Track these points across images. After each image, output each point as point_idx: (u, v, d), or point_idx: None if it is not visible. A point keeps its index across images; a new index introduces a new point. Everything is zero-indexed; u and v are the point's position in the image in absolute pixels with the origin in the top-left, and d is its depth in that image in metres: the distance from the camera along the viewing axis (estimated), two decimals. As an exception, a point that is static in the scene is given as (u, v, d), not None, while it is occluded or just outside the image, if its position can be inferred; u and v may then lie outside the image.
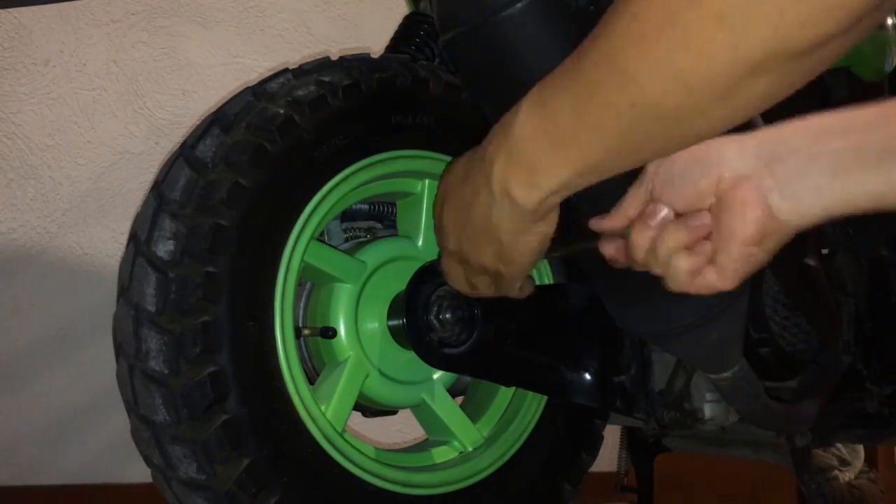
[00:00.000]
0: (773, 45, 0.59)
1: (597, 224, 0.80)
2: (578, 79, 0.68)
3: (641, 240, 0.74)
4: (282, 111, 0.97)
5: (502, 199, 0.77)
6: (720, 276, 0.72)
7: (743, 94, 0.63)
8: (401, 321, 1.06)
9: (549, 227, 0.80)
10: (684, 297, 0.89)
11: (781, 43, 0.59)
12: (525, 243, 0.81)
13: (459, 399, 1.22)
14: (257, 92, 0.99)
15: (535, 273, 1.19)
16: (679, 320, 0.91)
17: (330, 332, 1.04)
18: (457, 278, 0.93)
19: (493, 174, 0.77)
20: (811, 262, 1.16)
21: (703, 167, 0.71)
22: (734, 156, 0.70)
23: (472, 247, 0.85)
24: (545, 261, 1.20)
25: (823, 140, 0.69)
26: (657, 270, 0.75)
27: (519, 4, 0.82)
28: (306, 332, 1.05)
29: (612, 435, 1.59)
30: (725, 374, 0.99)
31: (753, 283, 1.02)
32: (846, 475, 2.19)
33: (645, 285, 0.92)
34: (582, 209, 0.86)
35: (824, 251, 1.26)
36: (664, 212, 0.73)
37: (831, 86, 1.35)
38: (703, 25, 0.59)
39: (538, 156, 0.72)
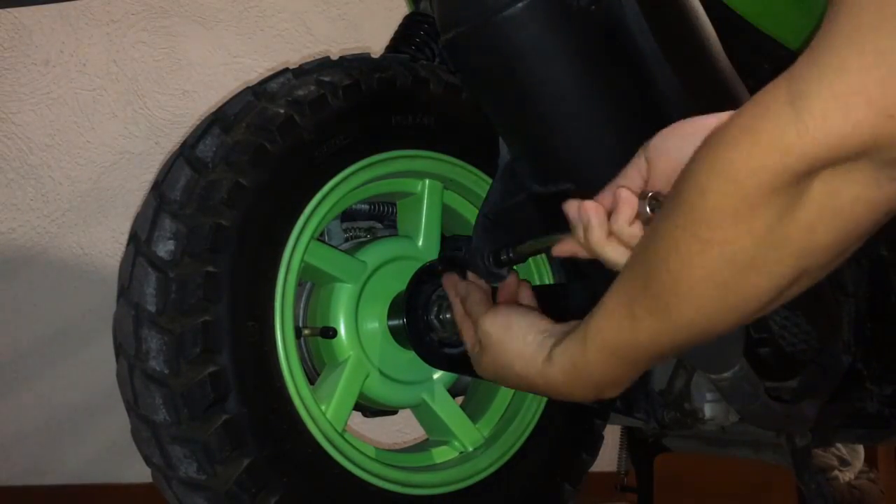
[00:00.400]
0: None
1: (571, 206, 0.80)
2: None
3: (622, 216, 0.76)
4: (282, 111, 0.97)
5: (559, 394, 0.82)
6: None
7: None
8: (401, 321, 1.06)
9: None
10: None
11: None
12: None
13: (460, 399, 1.22)
14: (257, 92, 0.99)
15: (535, 273, 1.19)
16: None
17: (330, 332, 1.04)
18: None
19: (557, 387, 0.81)
20: None
21: (699, 131, 0.70)
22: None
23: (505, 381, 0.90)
24: (545, 261, 1.20)
25: None
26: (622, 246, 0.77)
27: (519, 4, 0.82)
28: (306, 332, 1.05)
29: (612, 435, 1.59)
30: (725, 375, 0.99)
31: None
32: (846, 475, 2.18)
33: None
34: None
35: None
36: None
37: None
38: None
39: (606, 377, 0.77)
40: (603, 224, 0.76)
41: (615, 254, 0.76)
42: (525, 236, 1.00)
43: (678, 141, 0.74)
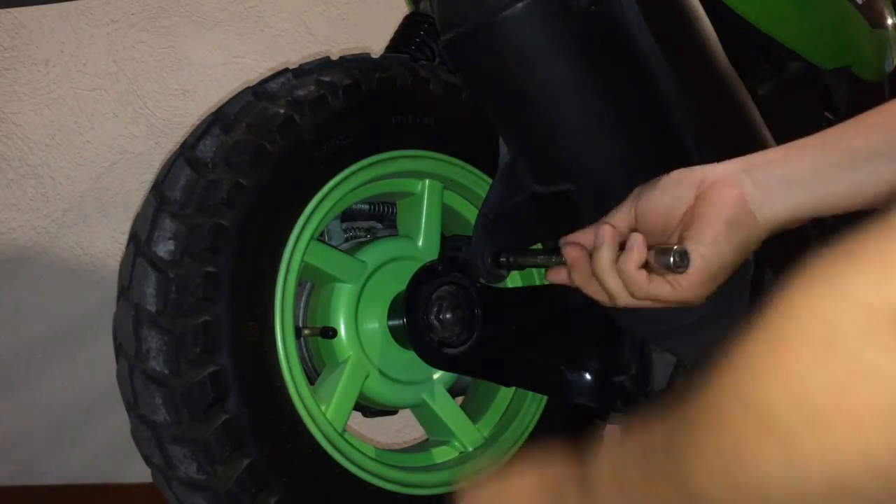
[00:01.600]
0: None
1: (565, 240, 0.83)
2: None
3: (602, 256, 0.77)
4: (282, 111, 0.97)
5: None
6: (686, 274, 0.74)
7: None
8: (401, 321, 1.06)
9: None
10: None
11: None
12: None
13: (459, 399, 1.22)
14: (257, 92, 0.99)
15: (534, 273, 1.19)
16: (679, 320, 0.91)
17: (330, 332, 1.04)
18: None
19: None
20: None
21: (687, 176, 0.76)
22: (717, 168, 0.75)
23: None
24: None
25: (797, 147, 0.74)
26: (610, 284, 0.77)
27: (519, 4, 0.82)
28: (306, 332, 1.05)
29: (612, 435, 1.59)
30: None
31: (753, 283, 1.02)
32: (846, 475, 2.18)
33: None
34: (580, 210, 0.86)
35: None
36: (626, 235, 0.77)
37: (832, 86, 1.35)
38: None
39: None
40: (614, 251, 0.77)
41: (614, 284, 0.76)
42: (525, 237, 1.00)
43: (666, 192, 0.76)
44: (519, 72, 0.88)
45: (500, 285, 1.18)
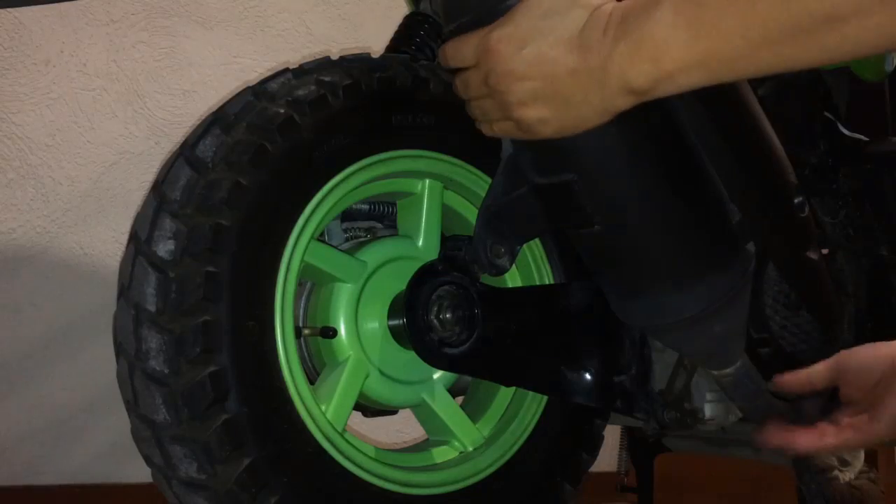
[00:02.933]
0: None
1: (781, 381, 0.91)
2: None
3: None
4: (282, 111, 0.97)
5: (612, 80, 0.74)
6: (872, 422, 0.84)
7: None
8: (401, 321, 1.06)
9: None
10: (687, 290, 0.89)
11: None
12: (590, 119, 0.79)
13: (460, 399, 1.22)
14: (258, 91, 0.99)
15: (535, 273, 1.19)
16: (681, 313, 0.91)
17: (330, 332, 1.04)
18: (476, 99, 0.85)
19: (612, 56, 0.73)
20: (814, 256, 1.16)
21: (882, 360, 0.84)
22: None
23: (531, 97, 0.79)
24: (545, 261, 1.20)
25: None
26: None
27: None
28: (306, 331, 1.05)
29: (612, 435, 1.59)
30: (728, 371, 0.99)
31: (754, 282, 1.02)
32: (846, 475, 2.18)
33: (648, 277, 0.91)
34: (581, 200, 0.85)
35: (825, 251, 1.26)
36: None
37: (832, 86, 1.35)
38: None
39: (669, 44, 0.71)
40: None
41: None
42: (527, 229, 0.99)
43: (867, 354, 0.85)
44: None
45: (501, 285, 1.18)
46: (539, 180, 0.91)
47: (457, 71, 0.85)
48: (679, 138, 0.89)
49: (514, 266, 1.20)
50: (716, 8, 0.68)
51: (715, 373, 1.00)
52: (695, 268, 0.91)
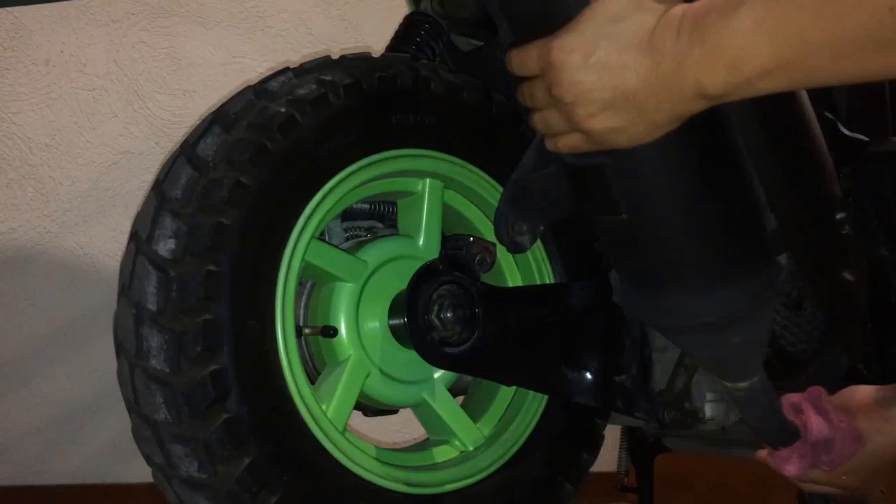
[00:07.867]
0: None
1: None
2: None
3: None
4: (283, 110, 0.97)
5: (686, 85, 0.73)
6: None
7: None
8: (402, 320, 1.06)
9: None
10: (708, 294, 0.86)
11: None
12: (662, 126, 0.77)
13: (460, 398, 1.22)
14: (258, 91, 0.99)
15: (535, 273, 1.19)
16: (698, 317, 0.87)
17: (331, 331, 1.04)
18: (540, 110, 0.83)
19: (686, 61, 0.72)
20: (850, 278, 1.14)
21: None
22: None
23: (601, 107, 0.77)
24: (545, 260, 1.20)
25: None
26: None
27: None
28: (307, 331, 1.05)
29: (612, 435, 1.59)
30: (743, 385, 0.93)
31: (787, 293, 0.99)
32: (846, 475, 2.18)
33: (668, 275, 0.88)
34: (612, 183, 0.83)
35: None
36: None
37: (832, 86, 1.34)
38: None
39: (750, 51, 0.70)
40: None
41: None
42: (552, 208, 0.95)
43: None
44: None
45: (501, 285, 1.18)
46: (571, 160, 0.88)
47: (520, 80, 0.82)
48: (724, 136, 0.85)
49: (514, 266, 1.20)
50: (802, 19, 0.67)
51: (728, 385, 0.96)
52: (719, 273, 0.86)
